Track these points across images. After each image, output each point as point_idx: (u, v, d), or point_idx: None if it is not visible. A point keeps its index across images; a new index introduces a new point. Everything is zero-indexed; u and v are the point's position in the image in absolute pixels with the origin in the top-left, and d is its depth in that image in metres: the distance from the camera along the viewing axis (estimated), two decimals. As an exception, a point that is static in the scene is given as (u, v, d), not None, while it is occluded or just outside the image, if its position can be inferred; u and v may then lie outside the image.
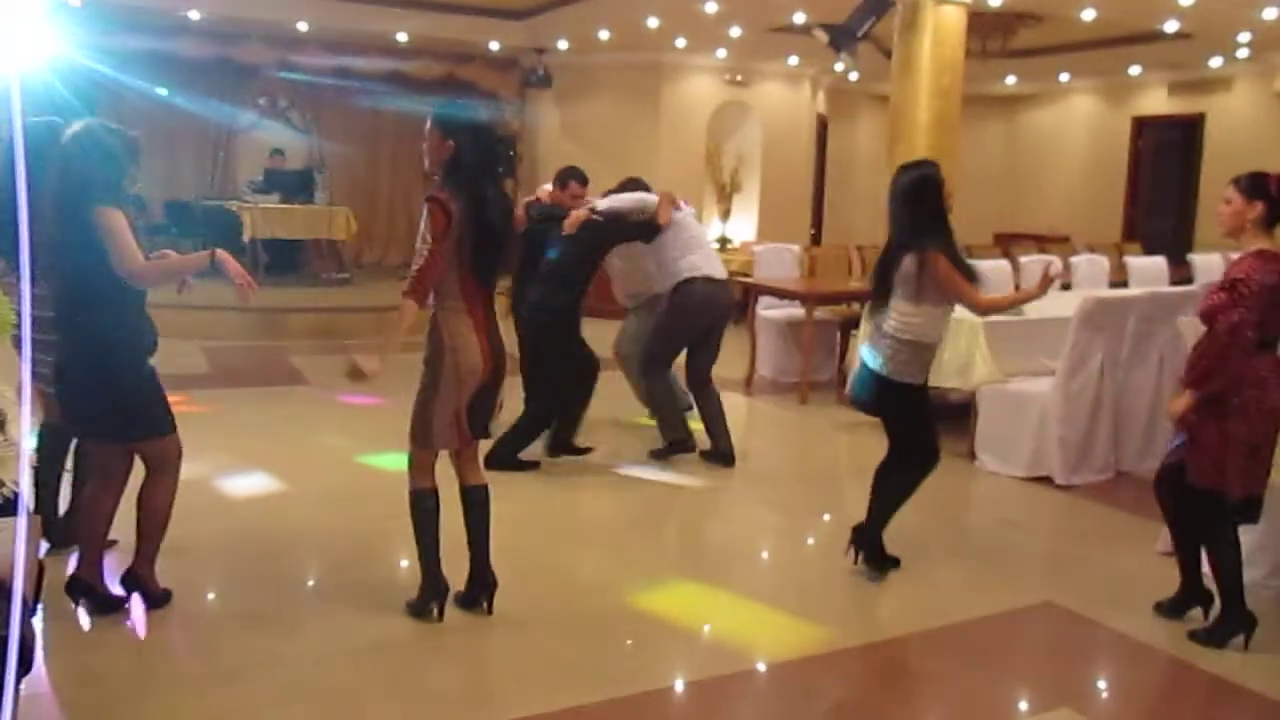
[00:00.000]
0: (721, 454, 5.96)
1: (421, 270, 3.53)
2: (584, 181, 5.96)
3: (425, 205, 3.55)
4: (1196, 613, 3.96)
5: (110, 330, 3.43)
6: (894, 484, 4.31)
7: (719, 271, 5.95)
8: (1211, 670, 3.63)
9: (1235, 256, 3.75)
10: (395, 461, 5.75)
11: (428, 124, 3.65)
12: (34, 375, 4.03)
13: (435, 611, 3.75)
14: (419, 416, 3.68)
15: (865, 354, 4.26)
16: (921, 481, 4.31)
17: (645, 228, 5.75)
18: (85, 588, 3.61)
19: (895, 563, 4.38)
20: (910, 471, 4.29)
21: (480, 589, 3.84)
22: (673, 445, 6.01)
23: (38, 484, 3.99)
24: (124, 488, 3.70)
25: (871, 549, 4.36)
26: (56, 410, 3.92)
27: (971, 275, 4.08)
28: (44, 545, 3.87)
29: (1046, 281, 4.01)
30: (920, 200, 4.08)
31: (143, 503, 3.65)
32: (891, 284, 4.10)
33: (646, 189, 6.05)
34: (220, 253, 3.60)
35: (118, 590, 3.68)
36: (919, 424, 4.27)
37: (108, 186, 3.40)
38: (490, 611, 3.82)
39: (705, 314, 5.91)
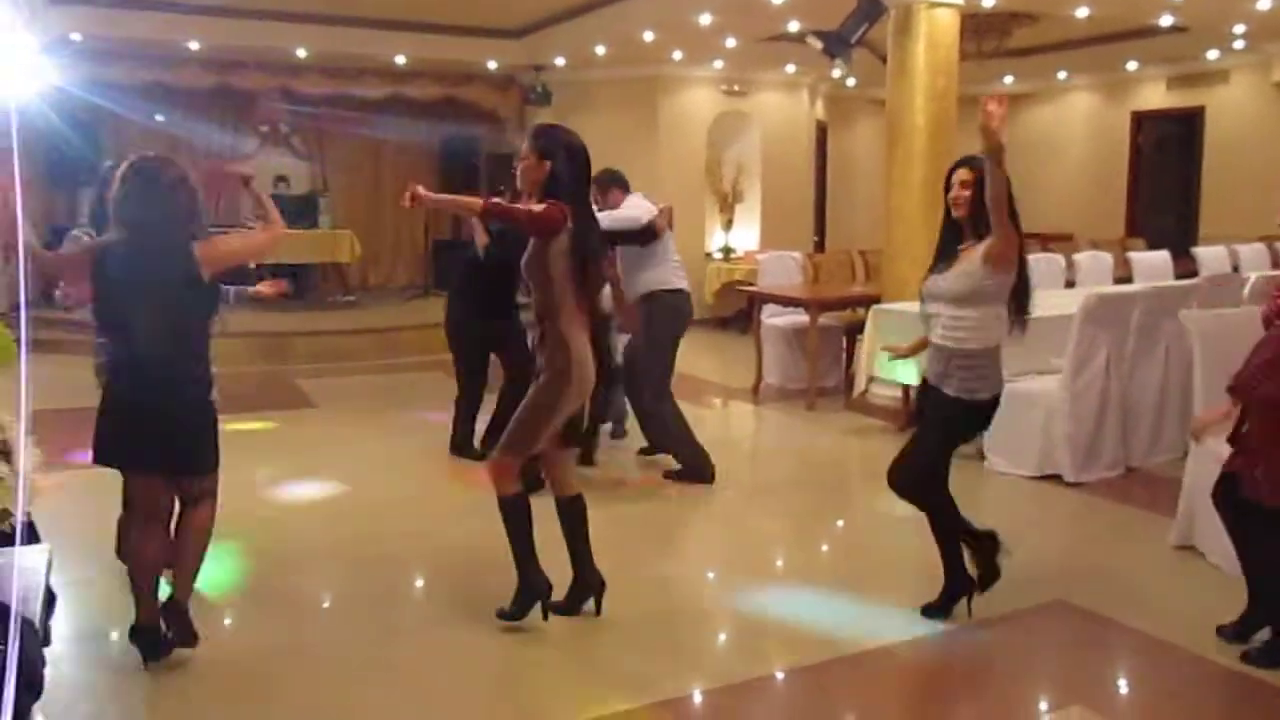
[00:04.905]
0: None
1: (504, 204, 3.80)
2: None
3: (544, 205, 3.66)
4: (1264, 633, 3.67)
5: (192, 365, 3.45)
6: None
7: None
8: (1227, 665, 3.60)
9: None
10: (397, 483, 5.82)
11: (524, 145, 3.78)
12: None
13: (542, 612, 3.85)
14: (526, 427, 3.76)
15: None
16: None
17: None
18: (149, 633, 3.52)
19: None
20: None
21: (589, 590, 3.95)
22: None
23: None
24: (169, 528, 3.62)
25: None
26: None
27: None
28: None
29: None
30: None
31: (186, 525, 3.59)
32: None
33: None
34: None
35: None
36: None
37: (184, 226, 3.38)
38: (599, 612, 3.93)
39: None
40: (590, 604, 3.97)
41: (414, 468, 6.10)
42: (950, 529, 3.94)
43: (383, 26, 10.59)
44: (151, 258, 3.31)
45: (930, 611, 3.98)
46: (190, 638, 3.55)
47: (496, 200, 3.80)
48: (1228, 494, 3.70)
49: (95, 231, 4.15)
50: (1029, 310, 3.84)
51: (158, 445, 3.39)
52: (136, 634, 3.51)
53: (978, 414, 3.87)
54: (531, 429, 3.76)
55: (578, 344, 3.73)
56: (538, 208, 3.66)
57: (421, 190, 3.79)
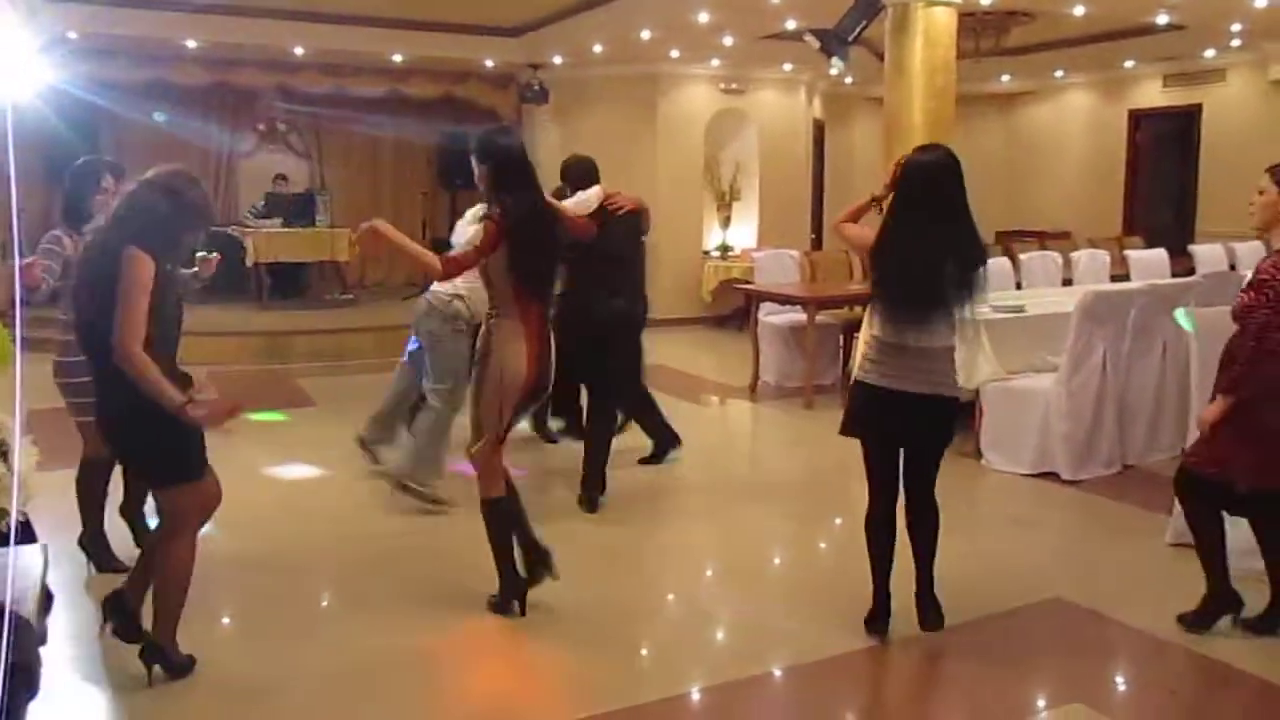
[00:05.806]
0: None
1: (457, 258, 3.85)
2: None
3: (482, 223, 3.82)
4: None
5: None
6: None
7: None
8: (1224, 660, 3.62)
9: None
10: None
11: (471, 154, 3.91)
12: (71, 407, 4.12)
13: (517, 608, 3.95)
14: (473, 414, 3.95)
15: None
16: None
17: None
18: (157, 651, 3.38)
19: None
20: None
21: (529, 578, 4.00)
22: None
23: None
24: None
25: None
26: (95, 443, 3.98)
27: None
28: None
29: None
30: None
31: (158, 565, 3.37)
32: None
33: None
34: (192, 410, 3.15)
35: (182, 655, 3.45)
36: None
37: (144, 231, 3.16)
38: (524, 613, 3.95)
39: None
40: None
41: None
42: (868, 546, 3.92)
43: (380, 25, 10.58)
44: (91, 252, 3.39)
45: (867, 624, 3.83)
46: (180, 671, 3.40)
47: (450, 256, 3.86)
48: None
49: (73, 229, 4.15)
50: (889, 304, 3.66)
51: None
52: (143, 644, 3.47)
53: (871, 400, 3.68)
54: (475, 414, 3.93)
55: (502, 338, 3.79)
56: (480, 237, 3.76)
57: (381, 226, 3.70)
